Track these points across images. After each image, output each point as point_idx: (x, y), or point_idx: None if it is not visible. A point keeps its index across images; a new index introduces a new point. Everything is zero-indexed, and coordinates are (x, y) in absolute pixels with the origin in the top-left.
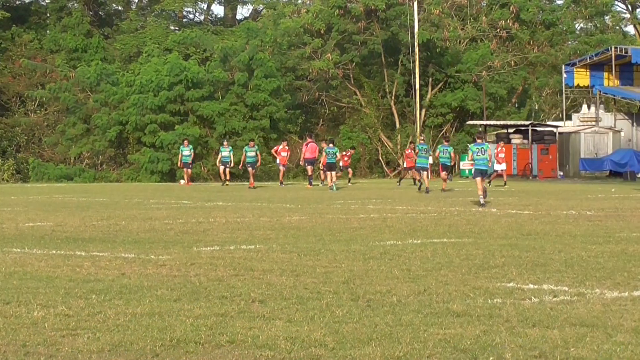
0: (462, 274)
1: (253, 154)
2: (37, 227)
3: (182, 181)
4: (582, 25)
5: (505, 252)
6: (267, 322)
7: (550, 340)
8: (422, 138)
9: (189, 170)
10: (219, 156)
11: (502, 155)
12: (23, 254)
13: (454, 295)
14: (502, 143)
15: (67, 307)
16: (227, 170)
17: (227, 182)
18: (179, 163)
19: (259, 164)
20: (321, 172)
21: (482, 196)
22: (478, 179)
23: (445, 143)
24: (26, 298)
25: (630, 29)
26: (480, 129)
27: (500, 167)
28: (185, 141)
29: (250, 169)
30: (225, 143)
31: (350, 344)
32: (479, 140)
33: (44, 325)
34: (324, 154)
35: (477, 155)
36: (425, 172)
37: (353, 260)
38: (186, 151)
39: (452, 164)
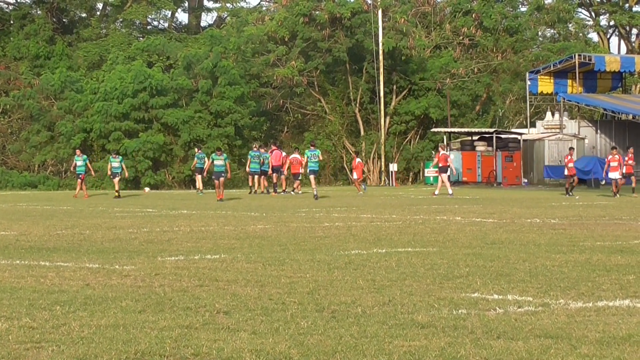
0: (427, 284)
1: (221, 162)
2: (0, 236)
3: (146, 189)
4: (545, 32)
5: (470, 261)
6: (232, 334)
7: (515, 352)
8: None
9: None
10: (109, 166)
11: (631, 162)
12: None
13: (419, 306)
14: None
15: (31, 319)
16: (117, 180)
17: (118, 194)
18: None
19: (229, 175)
20: (279, 179)
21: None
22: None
23: (312, 147)
24: None
25: (594, 36)
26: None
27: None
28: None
29: (215, 180)
30: (78, 151)
31: (315, 357)
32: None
33: (7, 338)
34: (305, 158)
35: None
36: (255, 177)
37: (318, 270)
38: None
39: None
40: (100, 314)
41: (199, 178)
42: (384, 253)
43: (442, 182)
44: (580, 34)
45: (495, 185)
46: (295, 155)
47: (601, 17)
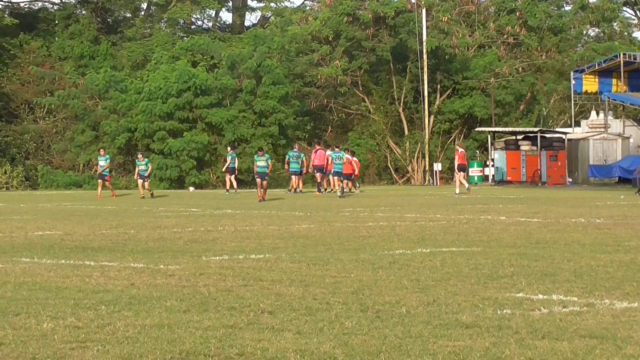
0: (471, 284)
1: (263, 163)
2: (46, 235)
3: (191, 188)
4: (590, 31)
5: (514, 261)
6: (276, 333)
7: (560, 353)
8: (296, 147)
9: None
10: (136, 170)
11: None
12: (32, 264)
13: (463, 306)
14: None
15: (76, 319)
16: (146, 183)
17: (145, 195)
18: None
19: (269, 171)
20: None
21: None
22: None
23: (337, 149)
24: (35, 309)
25: (639, 35)
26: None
27: None
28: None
29: (258, 179)
30: (140, 156)
31: (359, 357)
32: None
33: (53, 338)
34: (329, 159)
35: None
36: (294, 177)
37: (362, 270)
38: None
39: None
40: (145, 314)
41: (231, 178)
42: (428, 253)
43: (459, 180)
44: (625, 33)
45: (539, 184)
46: (347, 155)
47: None
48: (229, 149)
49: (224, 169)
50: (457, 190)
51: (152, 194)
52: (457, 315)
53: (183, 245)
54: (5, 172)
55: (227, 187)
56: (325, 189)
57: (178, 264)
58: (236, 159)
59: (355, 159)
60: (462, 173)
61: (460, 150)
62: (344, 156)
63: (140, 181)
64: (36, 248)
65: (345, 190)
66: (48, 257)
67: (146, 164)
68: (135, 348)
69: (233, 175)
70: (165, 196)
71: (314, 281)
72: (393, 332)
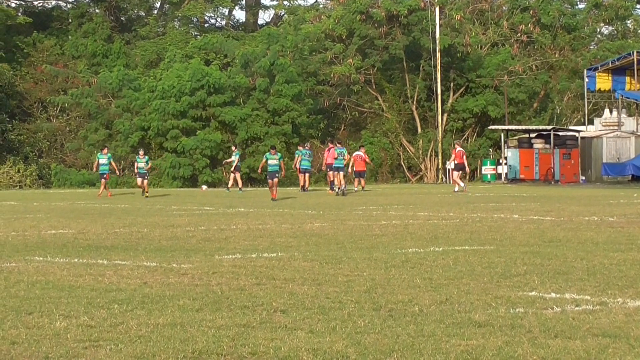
0: (484, 283)
1: (275, 162)
2: (59, 234)
3: (204, 186)
4: (603, 29)
5: (527, 259)
6: (289, 332)
7: (573, 352)
8: (308, 145)
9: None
10: (135, 167)
11: None
12: (45, 263)
13: (476, 305)
14: None
15: (89, 318)
16: (145, 181)
17: (147, 194)
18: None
19: (283, 173)
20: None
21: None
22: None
23: (339, 146)
24: (49, 308)
25: None
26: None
27: None
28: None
29: (270, 180)
30: (141, 153)
31: (372, 356)
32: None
33: (66, 337)
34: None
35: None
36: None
37: (375, 269)
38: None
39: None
40: (158, 313)
41: (236, 176)
42: (441, 251)
43: (453, 178)
44: (639, 31)
45: (552, 182)
46: (359, 152)
47: None
48: (233, 147)
49: (232, 169)
50: (456, 188)
51: (146, 195)
52: (470, 314)
53: (196, 244)
54: (19, 171)
55: (240, 185)
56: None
57: (191, 263)
58: (147, 161)
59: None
60: (459, 172)
61: (459, 149)
62: (346, 152)
63: (139, 179)
64: (49, 247)
65: (349, 188)
66: (61, 256)
67: (146, 162)
68: (148, 347)
69: (238, 174)
70: (167, 195)
71: (327, 280)
72: (406, 330)
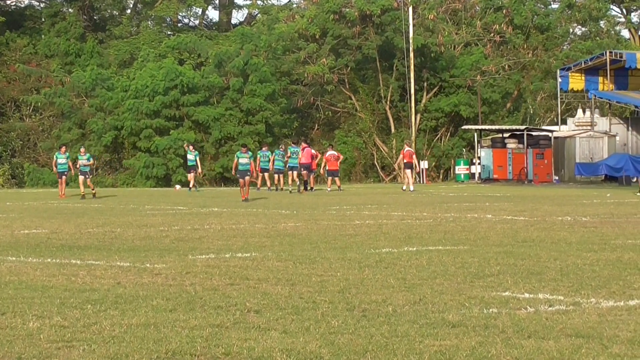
0: (458, 283)
1: (246, 160)
2: (32, 234)
3: (177, 186)
4: (576, 30)
5: (501, 260)
6: (263, 333)
7: (546, 352)
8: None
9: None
10: (77, 164)
11: None
12: (18, 263)
13: (450, 305)
14: None
15: (62, 318)
16: (88, 180)
17: (83, 194)
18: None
19: (253, 173)
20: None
21: None
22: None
23: (293, 145)
24: (22, 308)
25: (626, 33)
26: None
27: None
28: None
29: (240, 179)
30: (82, 150)
31: (346, 356)
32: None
33: (39, 337)
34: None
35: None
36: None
37: (348, 269)
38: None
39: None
40: (131, 313)
41: (191, 176)
42: (415, 251)
43: (407, 177)
44: (612, 32)
45: (526, 182)
46: (332, 152)
47: (632, 13)
48: (191, 148)
49: (199, 170)
50: (407, 187)
51: (94, 194)
52: (444, 314)
53: (169, 244)
54: None
55: (192, 185)
56: (312, 188)
57: (164, 263)
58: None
59: (314, 151)
60: (408, 170)
61: (407, 149)
62: (300, 152)
63: (81, 177)
64: (22, 247)
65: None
66: (34, 256)
67: (88, 159)
68: (122, 347)
69: (193, 174)
70: (114, 196)
71: (301, 280)
72: (379, 331)
